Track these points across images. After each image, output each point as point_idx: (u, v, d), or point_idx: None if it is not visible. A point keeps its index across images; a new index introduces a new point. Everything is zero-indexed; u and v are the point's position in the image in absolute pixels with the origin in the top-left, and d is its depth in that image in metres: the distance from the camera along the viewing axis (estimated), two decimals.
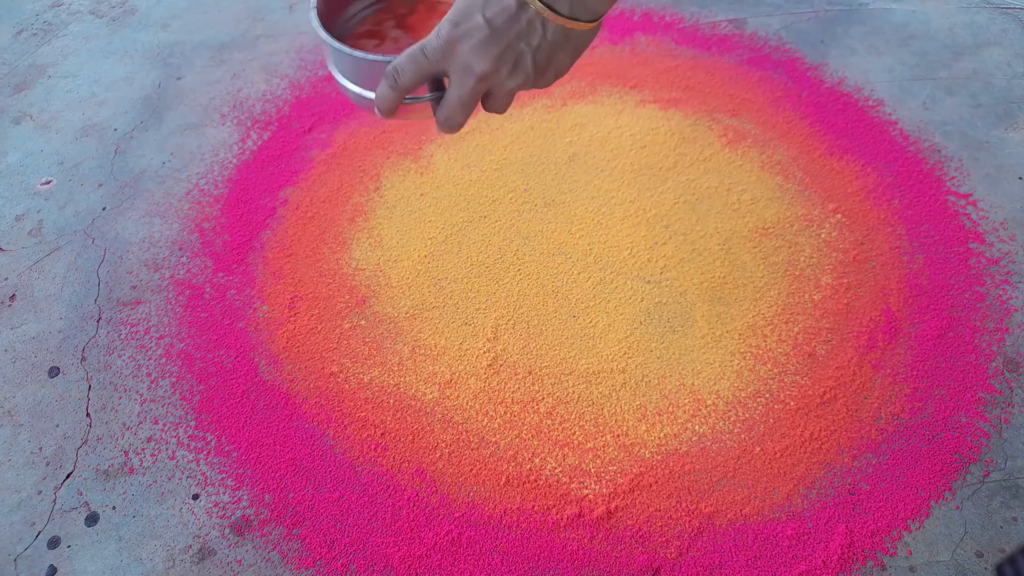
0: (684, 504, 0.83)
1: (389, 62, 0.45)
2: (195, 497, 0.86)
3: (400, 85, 0.45)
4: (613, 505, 0.83)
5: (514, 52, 0.42)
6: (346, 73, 0.50)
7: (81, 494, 0.86)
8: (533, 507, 0.84)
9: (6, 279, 1.07)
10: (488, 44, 0.41)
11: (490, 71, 0.43)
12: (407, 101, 0.47)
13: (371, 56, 0.46)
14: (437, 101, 0.47)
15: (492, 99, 0.46)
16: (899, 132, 1.22)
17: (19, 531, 0.83)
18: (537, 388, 0.93)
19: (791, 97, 1.28)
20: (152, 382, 0.95)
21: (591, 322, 0.99)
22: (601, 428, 0.89)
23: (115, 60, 1.42)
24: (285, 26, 1.47)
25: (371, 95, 0.48)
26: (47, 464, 0.89)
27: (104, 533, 0.83)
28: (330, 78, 1.35)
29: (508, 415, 0.91)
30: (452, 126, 0.46)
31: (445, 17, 0.42)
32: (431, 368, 0.95)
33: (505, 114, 1.25)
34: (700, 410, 0.91)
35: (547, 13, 0.41)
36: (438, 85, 0.47)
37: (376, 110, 0.47)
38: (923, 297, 1.01)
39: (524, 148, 1.21)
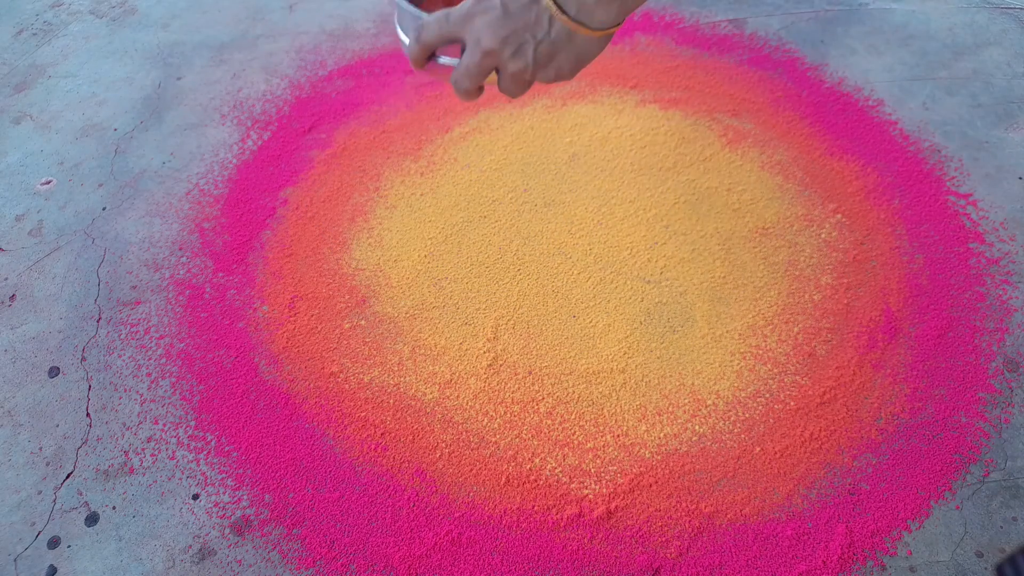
0: (684, 504, 0.83)
1: (421, 18, 0.50)
2: (195, 497, 0.86)
3: (422, 41, 0.49)
4: (613, 505, 0.83)
5: (519, 38, 0.46)
6: (399, 22, 0.55)
7: (81, 494, 0.86)
8: (533, 507, 0.84)
9: (6, 279, 1.07)
10: (498, 24, 0.45)
11: (494, 49, 0.46)
12: (440, 62, 0.52)
13: (411, 9, 0.51)
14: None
15: (501, 79, 0.49)
16: (899, 132, 1.22)
17: (19, 531, 0.83)
18: (537, 388, 0.93)
19: (791, 97, 1.28)
20: (152, 382, 0.95)
21: (591, 322, 0.99)
22: (601, 428, 0.89)
23: (115, 60, 1.42)
24: (285, 26, 1.47)
25: None
26: (47, 464, 0.89)
27: (104, 533, 0.83)
28: (331, 77, 1.35)
29: (508, 415, 0.91)
30: (461, 91, 0.50)
31: None
32: (431, 368, 0.95)
33: (510, 109, 1.25)
34: (700, 410, 0.91)
35: (555, 11, 0.45)
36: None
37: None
38: (923, 297, 1.01)
39: (524, 148, 1.21)
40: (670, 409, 0.91)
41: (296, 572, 0.80)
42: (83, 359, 0.98)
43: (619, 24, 0.47)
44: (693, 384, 0.93)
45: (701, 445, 0.88)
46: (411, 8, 0.51)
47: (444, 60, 0.52)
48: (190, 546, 0.82)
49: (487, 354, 0.96)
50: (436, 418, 0.91)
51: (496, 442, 0.89)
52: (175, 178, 1.20)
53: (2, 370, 0.97)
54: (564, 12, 0.45)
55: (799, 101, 1.27)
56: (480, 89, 0.51)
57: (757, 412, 0.91)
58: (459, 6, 0.47)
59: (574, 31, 0.45)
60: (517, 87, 0.49)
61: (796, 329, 0.98)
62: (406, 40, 0.54)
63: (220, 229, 1.12)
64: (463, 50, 0.49)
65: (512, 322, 0.99)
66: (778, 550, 0.80)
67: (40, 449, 0.90)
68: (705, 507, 0.83)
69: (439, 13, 0.48)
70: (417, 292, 1.03)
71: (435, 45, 0.49)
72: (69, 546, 0.82)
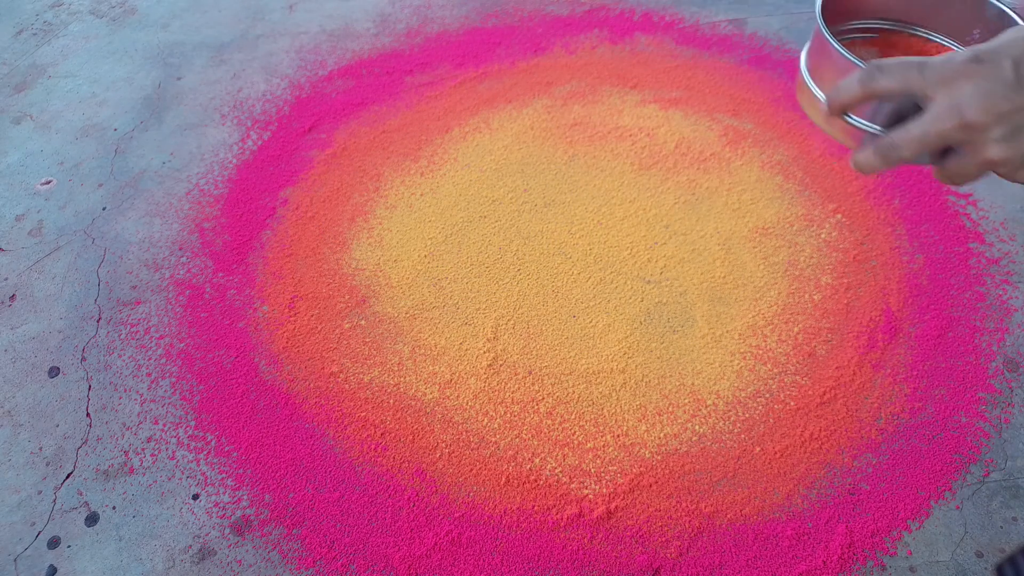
0: (684, 504, 0.83)
1: (857, 63, 0.41)
2: (195, 497, 0.85)
3: (871, 85, 0.39)
4: (613, 505, 0.83)
5: (1021, 118, 0.36)
6: (811, 60, 0.46)
7: (81, 494, 0.86)
8: (533, 507, 0.84)
9: (6, 279, 1.07)
10: (999, 95, 0.35)
11: (980, 123, 0.36)
12: (852, 122, 0.42)
13: (844, 51, 0.42)
14: (876, 137, 0.41)
15: (957, 160, 0.38)
16: None
17: (19, 531, 0.83)
18: (537, 388, 0.93)
19: (791, 97, 1.28)
20: (152, 382, 0.95)
21: (591, 322, 0.99)
22: (601, 428, 0.89)
23: (115, 60, 1.42)
24: (285, 26, 1.47)
25: (821, 95, 0.44)
26: (47, 464, 0.89)
27: (104, 533, 0.83)
28: (331, 77, 1.35)
29: (508, 415, 0.91)
30: (885, 157, 0.39)
31: (968, 48, 0.37)
32: (431, 368, 0.95)
33: (510, 109, 1.24)
34: (700, 410, 0.91)
35: None
36: (894, 120, 0.41)
37: (825, 102, 0.42)
38: (923, 297, 1.01)
39: (524, 148, 1.21)
40: (670, 409, 0.91)
41: (296, 572, 0.80)
42: (83, 359, 0.98)
43: None
44: (693, 384, 0.93)
45: (701, 445, 0.88)
46: (844, 50, 0.41)
47: (855, 120, 0.41)
48: (190, 546, 0.82)
49: (487, 354, 0.96)
50: (436, 418, 0.91)
51: (496, 442, 0.89)
52: (175, 178, 1.20)
53: (2, 370, 0.97)
54: None
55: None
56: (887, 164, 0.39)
57: (757, 412, 0.91)
58: (939, 58, 0.37)
59: None
60: (973, 175, 0.38)
61: (796, 329, 0.98)
62: (812, 85, 0.45)
63: (220, 229, 1.12)
64: (910, 111, 0.39)
65: (512, 322, 0.99)
66: (778, 550, 0.80)
67: (40, 449, 0.90)
68: (705, 507, 0.83)
69: (908, 59, 0.38)
70: (417, 292, 1.03)
71: (888, 91, 0.39)
72: (69, 546, 0.82)
